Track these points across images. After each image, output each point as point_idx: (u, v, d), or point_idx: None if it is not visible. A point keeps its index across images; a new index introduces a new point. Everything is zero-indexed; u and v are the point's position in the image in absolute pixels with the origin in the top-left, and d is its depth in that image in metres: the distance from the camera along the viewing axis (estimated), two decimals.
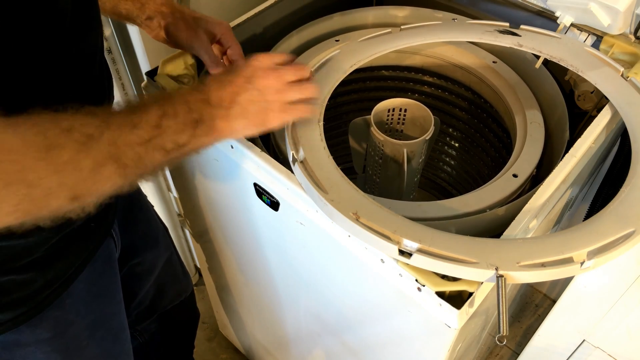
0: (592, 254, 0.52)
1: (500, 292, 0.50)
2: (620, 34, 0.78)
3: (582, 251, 0.52)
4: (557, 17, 0.82)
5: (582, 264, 0.52)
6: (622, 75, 0.70)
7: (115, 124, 0.46)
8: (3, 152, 0.38)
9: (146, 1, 0.68)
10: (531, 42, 0.73)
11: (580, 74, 0.70)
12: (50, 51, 0.49)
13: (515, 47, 0.73)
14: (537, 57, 0.81)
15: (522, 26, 0.78)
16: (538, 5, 0.85)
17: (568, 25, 0.81)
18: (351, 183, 0.59)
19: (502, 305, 0.50)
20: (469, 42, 0.85)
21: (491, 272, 0.51)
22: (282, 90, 0.56)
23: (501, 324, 0.50)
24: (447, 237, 0.54)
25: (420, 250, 0.52)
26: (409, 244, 0.53)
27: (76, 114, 0.45)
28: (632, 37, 0.78)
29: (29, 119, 0.41)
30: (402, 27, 0.79)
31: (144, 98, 0.52)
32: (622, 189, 0.59)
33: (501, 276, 0.50)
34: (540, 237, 0.56)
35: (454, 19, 0.86)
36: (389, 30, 0.79)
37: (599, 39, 0.81)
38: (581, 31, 0.82)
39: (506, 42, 0.74)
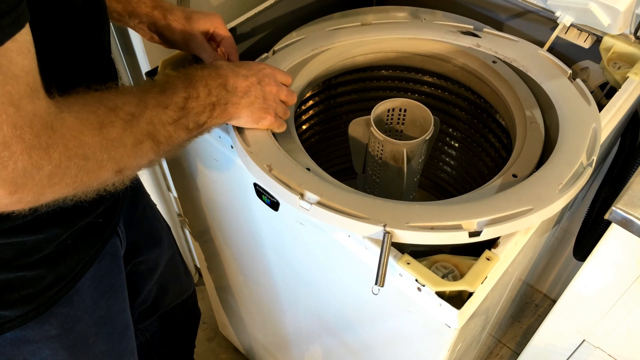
0: (482, 225, 0.56)
1: (384, 247, 0.54)
2: (620, 34, 0.78)
3: (472, 220, 0.56)
4: (557, 17, 0.82)
5: (471, 232, 0.55)
6: (569, 78, 0.73)
7: (151, 104, 0.51)
8: (65, 130, 0.42)
9: (137, 5, 0.69)
10: (489, 43, 0.79)
11: (529, 74, 0.74)
12: (64, 43, 0.51)
13: (474, 47, 0.79)
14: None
15: (484, 29, 0.82)
16: (538, 5, 0.85)
17: (568, 25, 0.81)
18: (275, 141, 0.65)
19: (384, 259, 0.54)
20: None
21: (379, 228, 0.55)
22: (277, 102, 0.66)
23: (379, 276, 0.54)
24: (349, 196, 0.59)
25: (319, 203, 0.58)
26: (310, 197, 0.58)
27: (118, 93, 0.49)
28: (632, 37, 0.78)
29: (79, 99, 0.46)
30: (372, 22, 0.85)
31: (169, 78, 0.56)
32: (537, 171, 0.62)
33: (388, 233, 0.54)
34: (438, 204, 0.59)
35: (423, 19, 0.88)
36: (358, 23, 0.85)
37: (599, 39, 0.81)
38: (581, 31, 0.82)
39: (466, 42, 0.80)
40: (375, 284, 0.54)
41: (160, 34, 0.71)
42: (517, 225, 0.56)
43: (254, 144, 0.64)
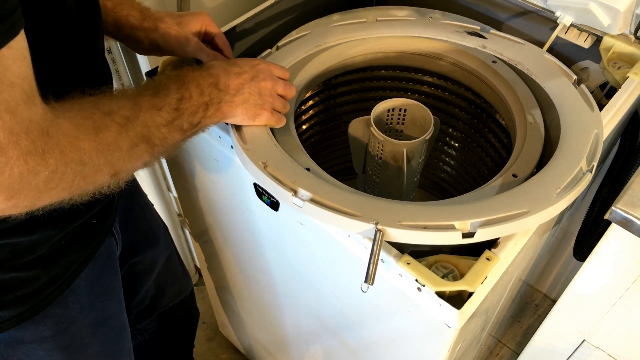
0: (476, 226, 0.55)
1: (375, 245, 0.54)
2: (620, 34, 0.78)
3: (466, 221, 0.55)
4: (557, 17, 0.82)
5: (464, 233, 0.55)
6: (573, 83, 0.73)
7: (145, 107, 0.51)
8: (61, 135, 0.42)
9: (125, 19, 0.68)
10: (495, 45, 0.78)
11: (534, 77, 0.74)
12: (59, 47, 0.51)
13: (479, 48, 0.78)
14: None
15: (491, 30, 0.81)
16: (538, 5, 0.85)
17: (568, 25, 0.81)
18: (273, 138, 0.65)
19: (375, 257, 0.54)
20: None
21: (371, 226, 0.55)
22: (274, 97, 0.65)
23: (369, 274, 0.54)
24: (343, 194, 0.59)
25: (312, 200, 0.58)
26: (304, 194, 0.59)
27: (112, 97, 0.49)
28: (632, 37, 0.78)
29: (75, 104, 0.46)
30: (377, 19, 0.85)
31: (162, 80, 0.56)
32: (536, 174, 0.62)
33: (379, 231, 0.54)
34: (432, 204, 0.59)
35: (430, 17, 0.88)
36: (364, 20, 0.84)
37: (599, 39, 0.81)
38: (581, 31, 0.82)
39: (471, 43, 0.79)
40: (365, 281, 0.54)
41: (155, 44, 0.70)
42: (511, 227, 0.56)
43: (250, 141, 0.64)
